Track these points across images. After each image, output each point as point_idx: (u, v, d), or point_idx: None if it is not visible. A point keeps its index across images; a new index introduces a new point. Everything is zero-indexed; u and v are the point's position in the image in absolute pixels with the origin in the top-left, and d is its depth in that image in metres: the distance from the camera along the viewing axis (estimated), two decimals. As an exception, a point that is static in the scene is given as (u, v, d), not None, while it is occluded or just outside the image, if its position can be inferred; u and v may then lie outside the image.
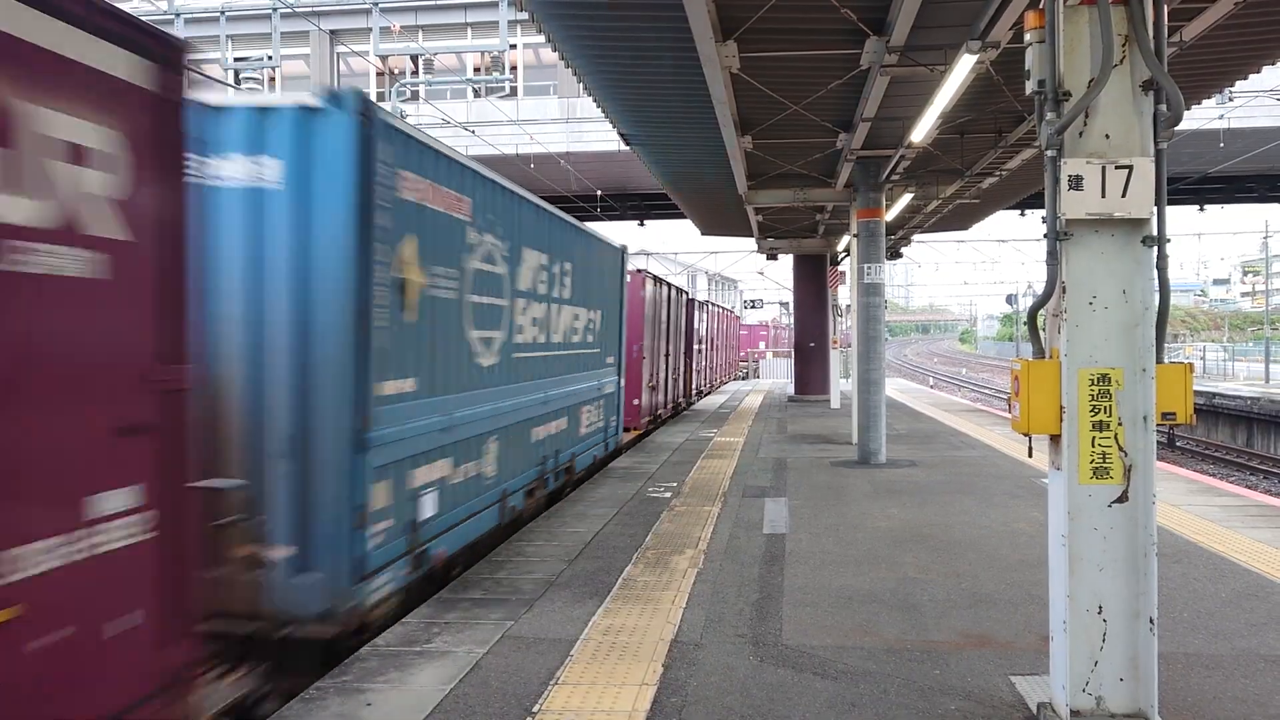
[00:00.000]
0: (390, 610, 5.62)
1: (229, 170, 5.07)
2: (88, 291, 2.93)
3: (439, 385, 6.38)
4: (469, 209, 7.03)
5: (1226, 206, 28.49)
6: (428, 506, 6.19)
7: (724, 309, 36.33)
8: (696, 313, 24.00)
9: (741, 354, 42.43)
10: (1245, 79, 10.85)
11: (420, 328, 6.05)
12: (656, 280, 16.91)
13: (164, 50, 3.28)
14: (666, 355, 18.44)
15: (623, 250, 13.17)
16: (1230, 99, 19.30)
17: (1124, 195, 3.83)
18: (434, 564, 6.27)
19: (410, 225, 5.83)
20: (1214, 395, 26.80)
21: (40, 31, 2.76)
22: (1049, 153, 3.92)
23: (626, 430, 14.39)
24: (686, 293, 22.85)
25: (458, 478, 6.75)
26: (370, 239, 5.24)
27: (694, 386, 23.57)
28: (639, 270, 15.69)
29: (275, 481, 5.02)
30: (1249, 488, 15.32)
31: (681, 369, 21.02)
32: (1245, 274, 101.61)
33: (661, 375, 18.00)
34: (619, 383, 13.10)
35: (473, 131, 21.06)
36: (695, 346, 23.69)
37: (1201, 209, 28.14)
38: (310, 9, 22.78)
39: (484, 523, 7.31)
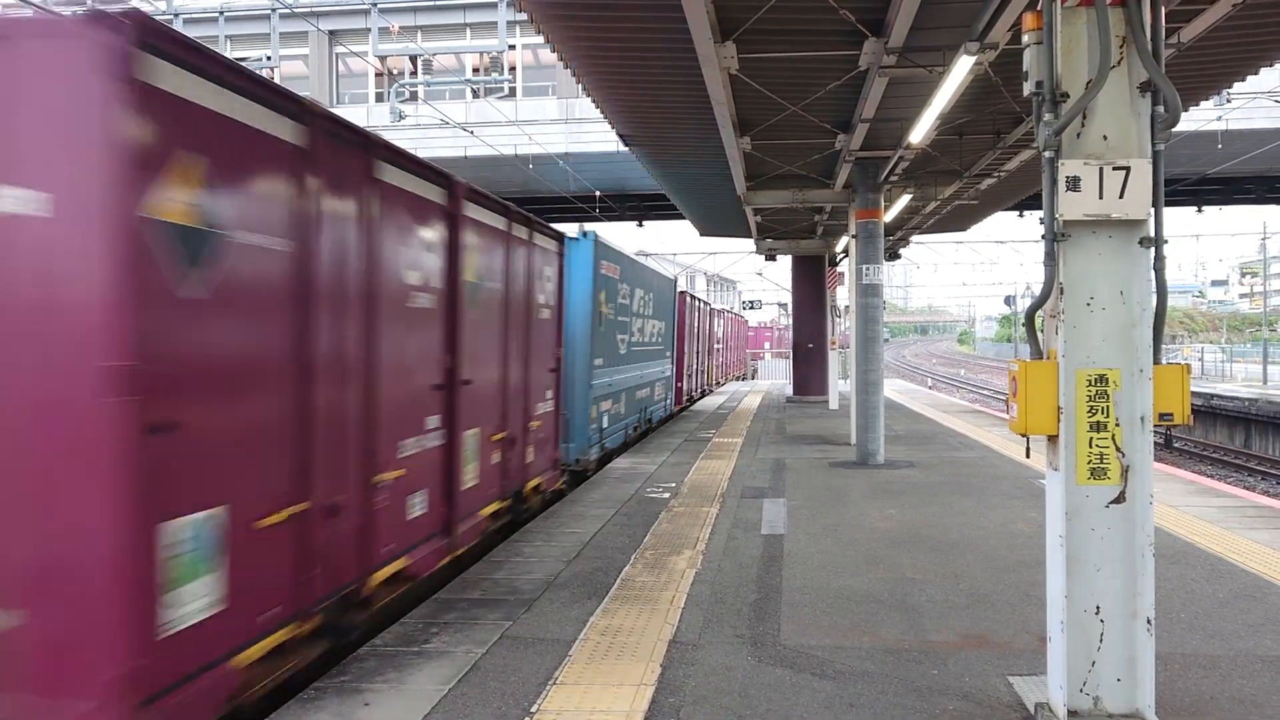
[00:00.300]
0: (594, 462, 11.89)
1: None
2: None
3: (608, 362, 12.53)
4: (618, 272, 13.19)
5: (1225, 208, 28.50)
6: (605, 421, 12.53)
7: (736, 315, 43.10)
8: (715, 319, 30.32)
9: (751, 352, 48.94)
10: (1243, 80, 10.86)
11: (603, 333, 12.20)
12: (692, 297, 23.46)
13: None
14: (696, 353, 24.49)
15: (675, 279, 20.72)
16: (1228, 100, 19.32)
17: (1121, 196, 3.84)
18: (605, 450, 12.59)
19: (602, 285, 12.03)
20: (1212, 396, 26.83)
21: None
22: (1047, 154, 3.93)
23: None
24: (709, 304, 29.72)
25: (612, 411, 12.95)
26: (594, 292, 11.57)
27: (714, 378, 30.42)
28: (681, 291, 21.66)
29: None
30: (1247, 489, 15.34)
31: (706, 364, 27.43)
32: (1243, 275, 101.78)
33: (693, 368, 24.09)
34: (673, 370, 19.66)
35: (471, 132, 21.06)
36: (714, 346, 30.12)
37: (1200, 210, 28.16)
38: (309, 9, 22.77)
39: (619, 439, 13.62)
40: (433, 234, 6.22)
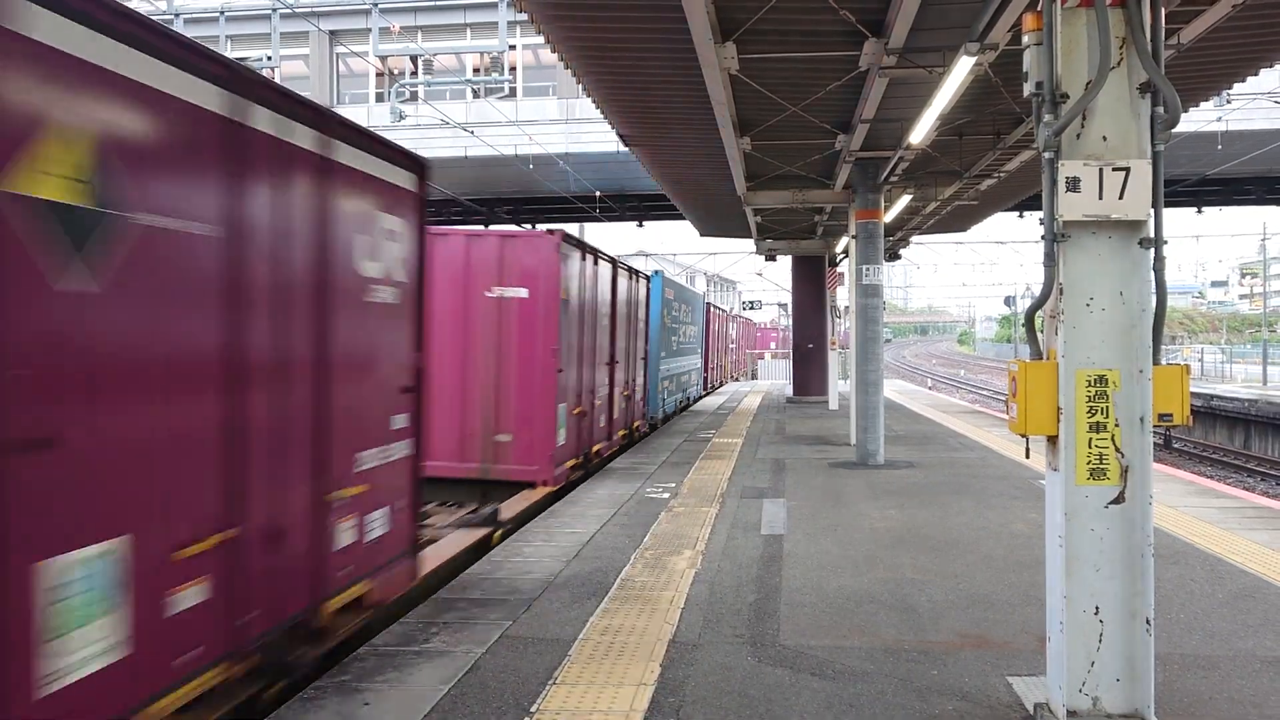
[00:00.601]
0: (660, 419, 17.97)
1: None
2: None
3: (666, 354, 18.08)
4: (673, 294, 18.93)
5: (1225, 209, 28.50)
6: (665, 395, 18.32)
7: (747, 319, 50.64)
8: (730, 323, 38.58)
9: (752, 353, 52.07)
10: (1243, 81, 10.87)
11: (665, 336, 17.87)
12: (715, 307, 31.23)
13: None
14: (717, 351, 31.91)
15: (704, 293, 30.75)
16: (1228, 101, 19.32)
17: (1121, 197, 3.84)
18: (665, 414, 18.43)
19: (665, 305, 17.74)
20: (1212, 397, 26.83)
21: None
22: (1046, 154, 3.94)
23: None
24: (726, 312, 38.01)
25: (669, 389, 18.76)
26: (661, 311, 17.39)
27: (729, 371, 37.42)
28: (707, 303, 28.62)
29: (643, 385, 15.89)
30: (1247, 489, 15.35)
31: (723, 360, 34.99)
32: (1243, 276, 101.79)
33: (714, 363, 31.30)
34: (702, 363, 26.12)
35: (471, 132, 21.06)
36: (729, 345, 37.71)
37: (1199, 211, 28.15)
38: (309, 9, 22.77)
39: (672, 407, 19.22)
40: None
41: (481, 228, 20.94)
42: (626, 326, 14.04)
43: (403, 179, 5.65)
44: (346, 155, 4.95)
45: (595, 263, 11.76)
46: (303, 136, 4.52)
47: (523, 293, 9.73)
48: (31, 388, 2.89)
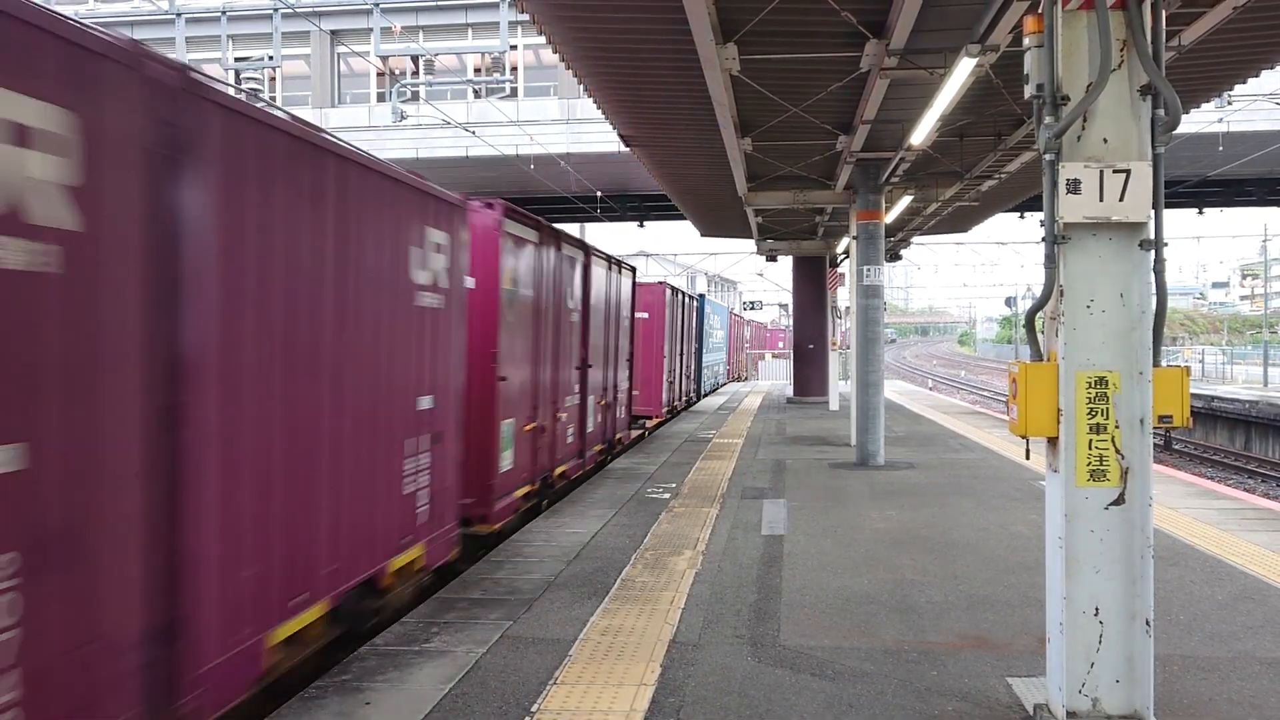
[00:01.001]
0: (697, 395, 25.70)
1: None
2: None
3: (706, 350, 27.88)
4: (711, 310, 30.25)
5: (1226, 210, 28.50)
6: (705, 378, 28.15)
7: (759, 323, 59.60)
8: (746, 326, 48.57)
9: (752, 353, 56.34)
10: (1244, 83, 10.87)
11: (705, 340, 27.44)
12: (736, 315, 42.23)
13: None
14: (736, 349, 41.42)
15: (731, 308, 42.14)
16: (1229, 103, 19.30)
17: (1121, 199, 3.85)
18: (705, 391, 28.23)
19: (705, 317, 27.32)
20: (1212, 399, 26.83)
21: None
22: (1047, 156, 3.94)
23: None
24: (743, 317, 47.31)
25: (708, 375, 28.96)
26: (702, 320, 26.42)
27: (743, 367, 45.24)
28: (732, 313, 39.14)
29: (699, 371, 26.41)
30: (1247, 491, 15.34)
31: (739, 356, 43.51)
32: (1244, 277, 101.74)
33: (734, 359, 40.21)
34: (726, 357, 35.78)
35: (473, 132, 21.06)
36: (744, 344, 46.81)
37: (1200, 212, 28.15)
38: (311, 9, 22.78)
39: (709, 388, 29.31)
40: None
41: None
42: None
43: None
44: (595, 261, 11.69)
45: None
46: (574, 251, 10.72)
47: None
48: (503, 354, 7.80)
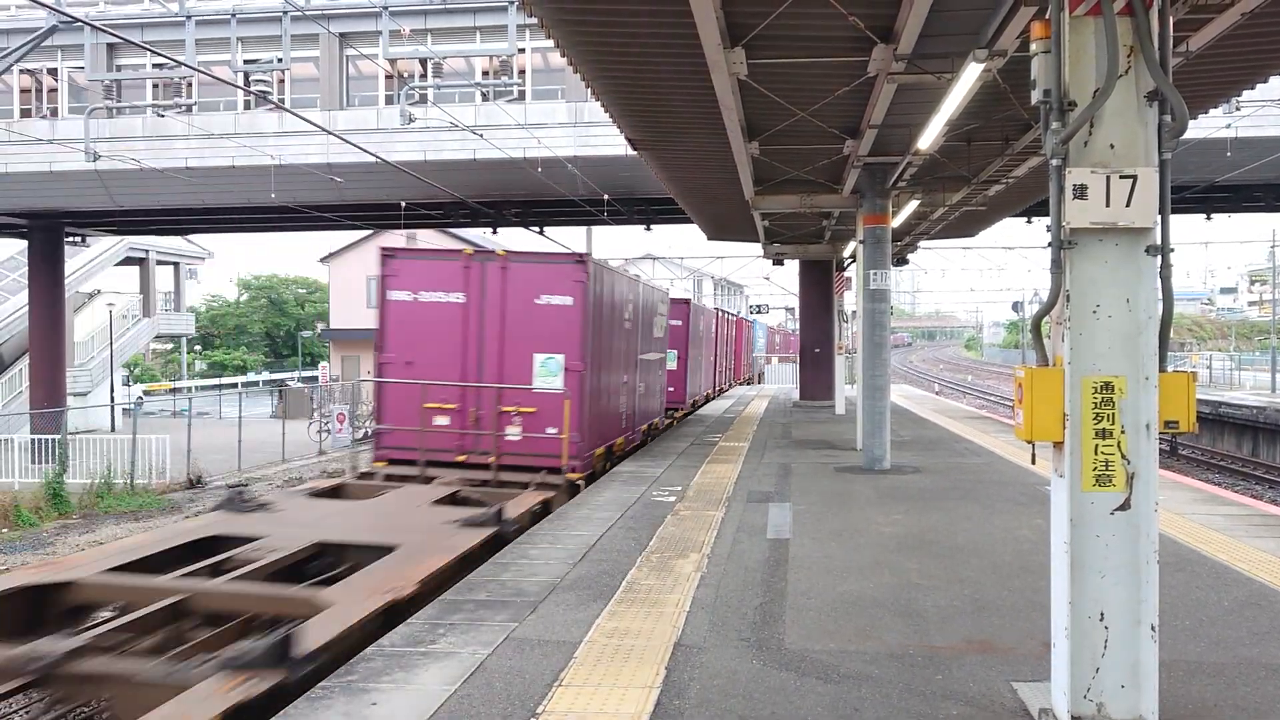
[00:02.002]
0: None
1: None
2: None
3: (753, 351, 49.95)
4: (754, 325, 53.29)
5: (1234, 215, 28.39)
6: (717, 379, 31.68)
7: (780, 328, 68.66)
8: (775, 334, 63.43)
9: (758, 356, 61.39)
10: (1253, 88, 10.85)
11: (751, 344, 48.07)
12: (770, 328, 63.71)
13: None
14: (766, 350, 58.56)
15: (757, 320, 55.90)
16: (1238, 108, 19.26)
17: (1128, 205, 3.86)
18: (720, 391, 32.50)
19: (748, 330, 45.96)
20: (1220, 404, 26.74)
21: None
22: (1054, 162, 3.95)
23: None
24: (770, 326, 61.94)
25: (753, 364, 49.12)
26: (753, 333, 50.02)
27: (760, 371, 52.79)
28: (768, 327, 61.23)
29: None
30: (1255, 497, 15.29)
31: (769, 355, 58.33)
32: (1252, 283, 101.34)
33: (760, 361, 52.64)
34: (763, 356, 56.67)
35: (480, 135, 21.09)
36: (775, 345, 61.20)
37: (1208, 218, 28.04)
38: (320, 12, 22.84)
39: (718, 389, 32.18)
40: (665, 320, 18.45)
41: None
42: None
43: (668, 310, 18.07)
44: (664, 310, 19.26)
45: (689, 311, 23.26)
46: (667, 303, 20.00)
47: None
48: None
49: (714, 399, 28.61)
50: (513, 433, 11.03)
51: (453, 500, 9.63)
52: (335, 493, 10.07)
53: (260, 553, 7.09)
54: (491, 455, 10.80)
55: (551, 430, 10.90)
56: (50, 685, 4.93)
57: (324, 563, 7.44)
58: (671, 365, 20.61)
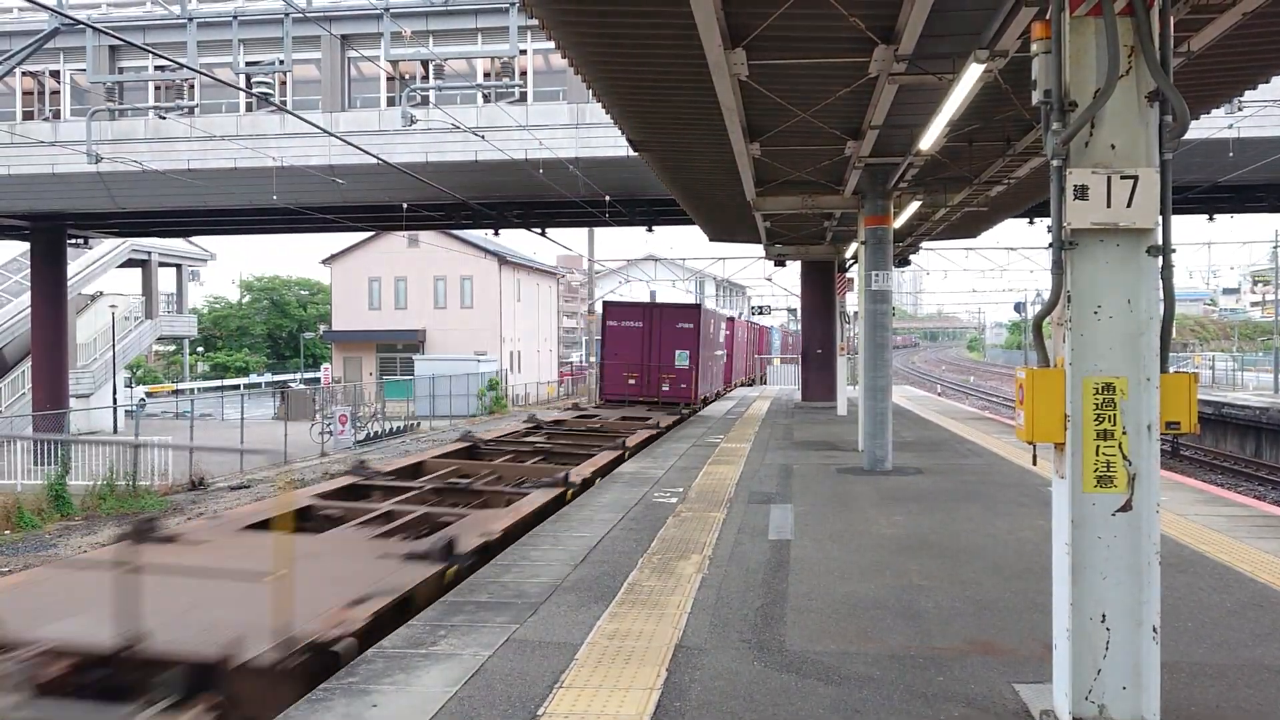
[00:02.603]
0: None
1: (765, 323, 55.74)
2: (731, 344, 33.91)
3: (770, 353, 55.35)
4: (771, 331, 57.67)
5: (1236, 216, 28.37)
6: (732, 377, 37.00)
7: (782, 328, 66.95)
8: (788, 336, 61.00)
9: (760, 358, 62.78)
10: (1254, 89, 10.84)
11: (770, 345, 54.89)
12: (778, 327, 63.05)
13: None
14: (778, 350, 56.33)
15: (774, 326, 61.14)
16: (1240, 108, 19.24)
17: (1129, 205, 3.85)
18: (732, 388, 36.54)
19: (768, 335, 54.92)
20: (1223, 405, 26.71)
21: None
22: (1055, 162, 3.95)
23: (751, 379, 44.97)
24: (783, 329, 63.33)
25: (733, 375, 38.55)
26: (771, 337, 56.30)
27: (754, 372, 51.32)
28: (771, 325, 60.48)
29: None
30: (1257, 498, 15.27)
31: (782, 354, 55.46)
32: (1255, 283, 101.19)
33: (748, 364, 44.76)
34: (744, 364, 43.04)
35: (482, 136, 21.09)
36: (789, 346, 58.53)
37: (1211, 218, 28.05)
38: (321, 14, 22.87)
39: (728, 386, 36.11)
40: (687, 326, 23.31)
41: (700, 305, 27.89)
42: (744, 346, 29.80)
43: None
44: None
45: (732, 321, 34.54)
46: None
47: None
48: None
49: (742, 387, 37.29)
50: (665, 386, 22.31)
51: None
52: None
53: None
54: (656, 397, 22.13)
55: (682, 385, 22.32)
56: None
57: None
58: (722, 358, 30.42)
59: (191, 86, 23.85)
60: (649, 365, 22.39)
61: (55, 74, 24.92)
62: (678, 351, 22.25)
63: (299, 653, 4.71)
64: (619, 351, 22.47)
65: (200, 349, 65.56)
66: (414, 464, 11.80)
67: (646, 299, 41.15)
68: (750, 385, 39.65)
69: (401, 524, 8.04)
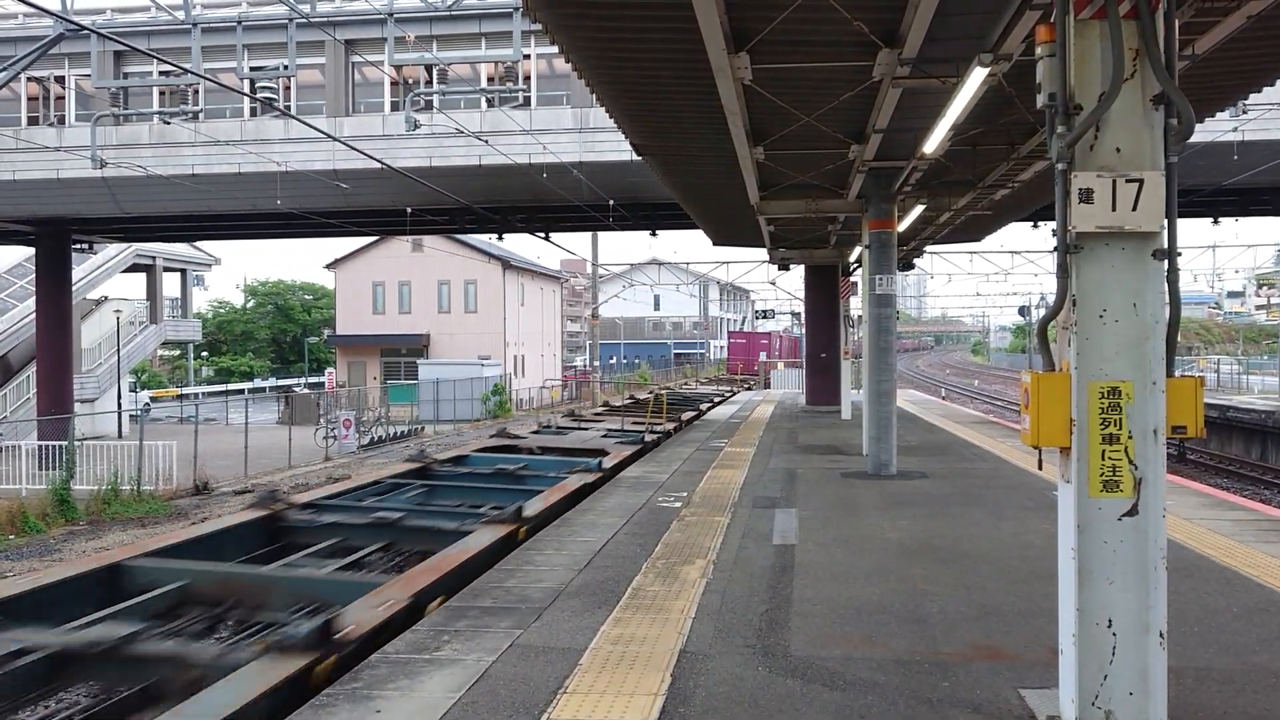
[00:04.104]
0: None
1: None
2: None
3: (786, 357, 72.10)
4: (783, 338, 69.55)
5: (1241, 219, 28.33)
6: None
7: (786, 332, 71.88)
8: (777, 338, 68.72)
9: (763, 362, 68.09)
10: (1259, 92, 10.83)
11: (786, 349, 69.48)
12: (788, 334, 71.78)
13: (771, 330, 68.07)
14: (790, 355, 63.02)
15: (787, 329, 72.34)
16: (1244, 111, 19.22)
17: (1134, 209, 3.84)
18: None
19: (779, 341, 68.60)
20: (1228, 408, 26.63)
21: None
22: (1059, 166, 3.93)
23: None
24: (797, 336, 61.54)
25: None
26: (782, 342, 70.32)
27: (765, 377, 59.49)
28: (779, 331, 71.47)
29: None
30: (1263, 502, 15.22)
31: (793, 358, 58.88)
32: (1260, 287, 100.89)
33: (754, 367, 59.17)
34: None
35: (486, 141, 21.12)
36: (800, 350, 63.83)
37: (1215, 221, 27.97)
38: (325, 19, 22.90)
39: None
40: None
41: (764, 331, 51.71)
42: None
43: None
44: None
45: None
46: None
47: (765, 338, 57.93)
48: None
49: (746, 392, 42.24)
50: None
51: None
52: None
53: None
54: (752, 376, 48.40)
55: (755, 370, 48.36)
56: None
57: None
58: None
59: (196, 91, 23.90)
60: (749, 360, 53.08)
61: (60, 79, 24.99)
62: (760, 354, 50.68)
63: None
64: (734, 354, 54.65)
65: (205, 353, 65.65)
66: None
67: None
68: (751, 390, 44.10)
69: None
